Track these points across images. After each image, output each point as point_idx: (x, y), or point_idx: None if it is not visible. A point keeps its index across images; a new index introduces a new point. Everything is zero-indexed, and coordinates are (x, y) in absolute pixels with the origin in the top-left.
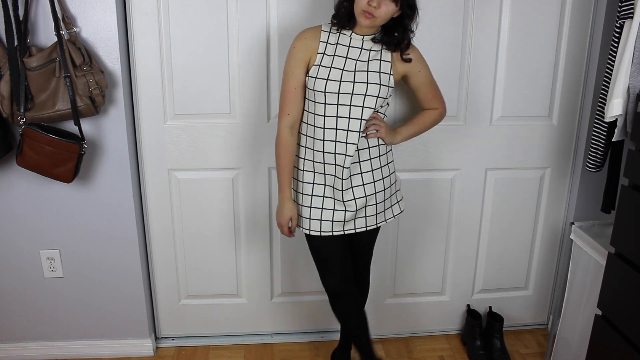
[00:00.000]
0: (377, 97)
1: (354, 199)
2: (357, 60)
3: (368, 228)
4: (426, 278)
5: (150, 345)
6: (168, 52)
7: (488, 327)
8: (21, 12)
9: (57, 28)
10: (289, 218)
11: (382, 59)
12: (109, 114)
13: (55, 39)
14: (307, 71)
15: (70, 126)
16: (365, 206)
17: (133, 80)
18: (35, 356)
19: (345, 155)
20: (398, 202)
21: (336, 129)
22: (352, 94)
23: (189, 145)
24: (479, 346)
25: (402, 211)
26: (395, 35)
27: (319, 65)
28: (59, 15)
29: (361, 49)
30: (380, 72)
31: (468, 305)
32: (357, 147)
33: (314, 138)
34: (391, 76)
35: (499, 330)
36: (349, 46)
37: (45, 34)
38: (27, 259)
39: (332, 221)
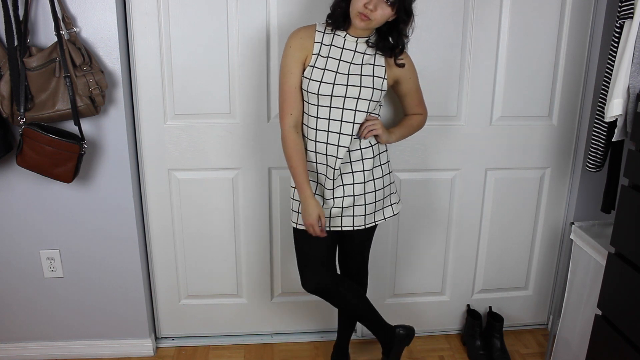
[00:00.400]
0: (370, 100)
1: (343, 196)
2: (350, 63)
3: (355, 228)
4: (426, 278)
5: (150, 345)
6: (168, 52)
7: (488, 327)
8: (21, 12)
9: (57, 28)
10: (317, 216)
11: (375, 63)
12: (109, 114)
13: (55, 39)
14: (303, 71)
15: (70, 126)
16: (354, 205)
17: (133, 80)
18: (35, 356)
19: (336, 157)
20: (392, 204)
21: (328, 131)
22: (345, 97)
23: (189, 145)
24: (479, 346)
25: (395, 214)
26: (390, 40)
27: (313, 66)
28: (59, 15)
29: (354, 51)
30: (373, 76)
31: (468, 305)
32: (349, 148)
33: (306, 137)
34: (385, 80)
35: (499, 330)
36: (343, 48)
37: (45, 34)
38: (27, 259)
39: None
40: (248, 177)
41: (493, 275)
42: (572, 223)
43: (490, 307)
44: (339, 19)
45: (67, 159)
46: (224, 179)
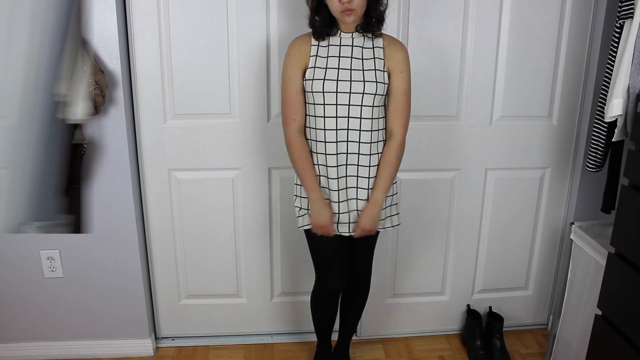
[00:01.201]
0: (375, 94)
1: (356, 199)
2: (351, 57)
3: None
4: (426, 278)
5: (150, 345)
6: (168, 52)
7: (488, 327)
8: None
9: None
10: (330, 217)
11: (375, 56)
12: (109, 114)
13: None
14: (304, 75)
15: None
16: (357, 210)
17: (133, 80)
18: (35, 356)
19: (347, 154)
20: (393, 215)
21: (336, 129)
22: (350, 92)
23: (189, 145)
24: (479, 346)
25: (393, 225)
26: (372, 16)
27: (314, 67)
28: None
29: (352, 45)
30: (375, 69)
31: (468, 305)
32: (359, 142)
33: (315, 140)
34: (385, 73)
35: (499, 330)
36: (340, 45)
37: None
38: (27, 259)
39: (338, 222)
40: (248, 177)
41: (493, 275)
42: (572, 223)
43: (490, 307)
44: (322, 30)
45: None
46: (224, 179)
